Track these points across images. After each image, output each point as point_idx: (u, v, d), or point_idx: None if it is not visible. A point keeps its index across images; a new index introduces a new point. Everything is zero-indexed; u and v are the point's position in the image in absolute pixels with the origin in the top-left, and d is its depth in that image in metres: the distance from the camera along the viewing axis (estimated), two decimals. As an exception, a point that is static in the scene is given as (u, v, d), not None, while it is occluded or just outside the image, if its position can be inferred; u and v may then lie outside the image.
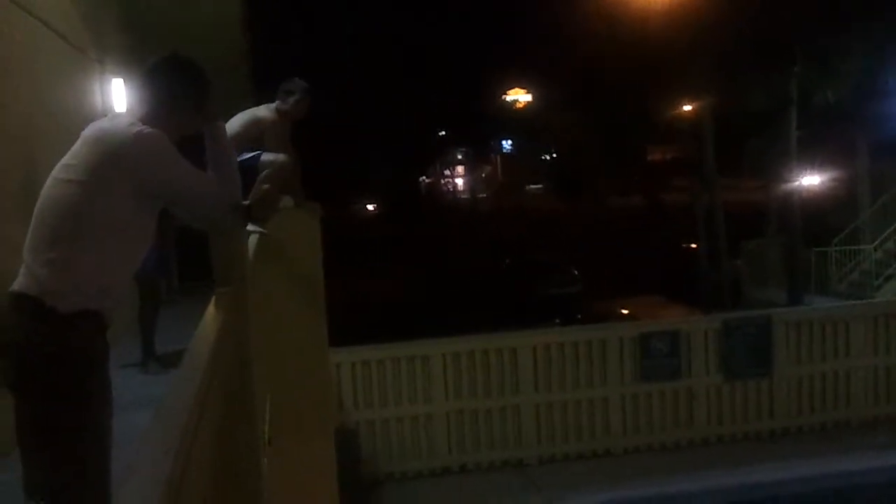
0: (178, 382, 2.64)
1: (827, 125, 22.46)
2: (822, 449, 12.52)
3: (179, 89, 3.14)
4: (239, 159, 5.67)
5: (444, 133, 76.05)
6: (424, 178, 79.71)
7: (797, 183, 22.26)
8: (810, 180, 24.05)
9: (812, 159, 23.35)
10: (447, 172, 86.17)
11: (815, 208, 23.75)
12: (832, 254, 20.52)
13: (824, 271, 20.56)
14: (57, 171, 2.92)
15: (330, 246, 7.71)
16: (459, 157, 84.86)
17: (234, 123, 6.44)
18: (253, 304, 4.63)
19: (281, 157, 6.27)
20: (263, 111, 6.65)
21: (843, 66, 20.51)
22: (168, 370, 6.25)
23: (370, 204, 66.94)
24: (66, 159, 2.93)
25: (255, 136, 6.40)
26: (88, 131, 2.98)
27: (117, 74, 8.54)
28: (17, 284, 2.82)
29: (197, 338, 3.19)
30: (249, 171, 3.69)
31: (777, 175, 22.96)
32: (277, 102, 6.66)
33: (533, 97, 69.20)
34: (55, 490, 2.78)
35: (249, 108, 6.75)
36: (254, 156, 6.10)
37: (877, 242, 19.95)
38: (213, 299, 3.79)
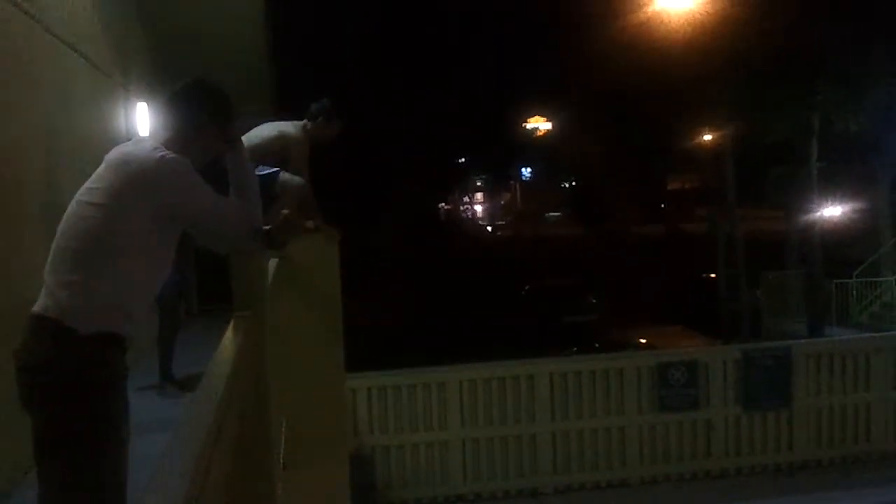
0: (194, 405, 2.66)
1: (848, 156, 22.38)
2: (842, 483, 12.39)
3: (203, 115, 3.17)
4: (257, 172, 5.68)
5: (463, 160, 76.24)
6: (444, 204, 79.83)
7: (818, 214, 22.16)
8: (831, 211, 23.93)
9: (833, 190, 23.25)
10: (466, 199, 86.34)
11: (835, 239, 23.61)
12: (853, 285, 20.38)
13: (845, 303, 20.43)
14: (80, 194, 2.95)
15: (347, 270, 7.72)
16: (479, 183, 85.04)
17: (259, 134, 6.41)
18: (271, 328, 4.64)
19: (297, 179, 6.23)
20: (290, 128, 6.57)
21: (865, 96, 20.45)
22: (185, 393, 6.25)
23: (390, 228, 67.05)
24: (89, 183, 2.96)
25: (276, 151, 6.37)
26: (112, 155, 3.01)
27: (141, 98, 8.63)
28: (38, 306, 2.85)
29: (214, 361, 3.21)
30: (264, 186, 3.69)
31: (798, 205, 22.86)
32: (305, 122, 6.62)
33: (553, 125, 69.30)
34: None
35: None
36: (273, 172, 6.05)
37: (898, 275, 19.82)
38: (231, 323, 3.81)
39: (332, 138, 6.77)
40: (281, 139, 6.44)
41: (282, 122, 6.63)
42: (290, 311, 6.57)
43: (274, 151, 6.32)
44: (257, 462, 3.88)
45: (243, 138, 6.32)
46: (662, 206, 55.08)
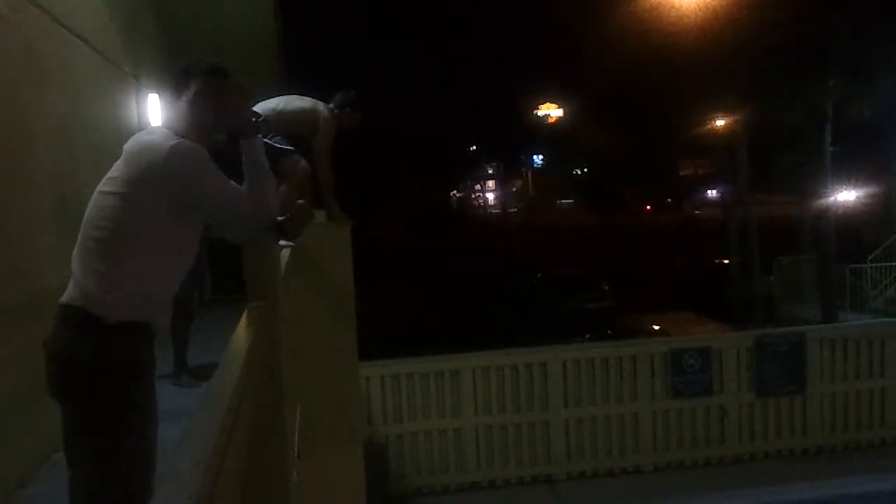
0: (209, 395, 2.67)
1: (862, 140, 22.23)
2: (856, 468, 12.36)
3: (193, 86, 3.14)
4: (274, 141, 5.68)
5: (475, 148, 76.16)
6: (455, 192, 79.78)
7: (831, 198, 22.04)
8: (845, 196, 23.79)
9: (847, 175, 23.10)
10: (478, 187, 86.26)
11: (849, 224, 23.47)
12: (867, 270, 20.29)
13: (859, 288, 20.34)
14: (101, 185, 2.98)
15: (360, 258, 7.73)
16: (490, 171, 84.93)
17: (296, 102, 6.47)
18: (284, 317, 4.65)
19: (304, 163, 6.24)
20: (323, 108, 6.63)
21: (879, 80, 20.30)
22: (200, 383, 6.27)
23: (402, 216, 67.07)
24: (109, 173, 2.99)
25: (307, 122, 6.42)
26: (129, 145, 3.03)
27: (152, 89, 8.64)
28: (65, 296, 2.89)
29: (229, 351, 3.22)
30: (271, 158, 3.62)
31: (811, 190, 22.74)
32: (332, 107, 6.66)
33: (564, 112, 69.18)
34: (99, 499, 2.82)
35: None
36: (286, 149, 6.04)
37: (913, 259, 19.71)
38: (245, 312, 3.82)
39: (350, 130, 6.82)
40: (315, 114, 6.51)
41: (316, 100, 6.68)
42: (303, 299, 6.59)
43: (305, 122, 6.39)
44: (272, 451, 3.90)
45: (280, 101, 6.40)
46: (668, 192, 54.79)
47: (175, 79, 3.21)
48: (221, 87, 3.23)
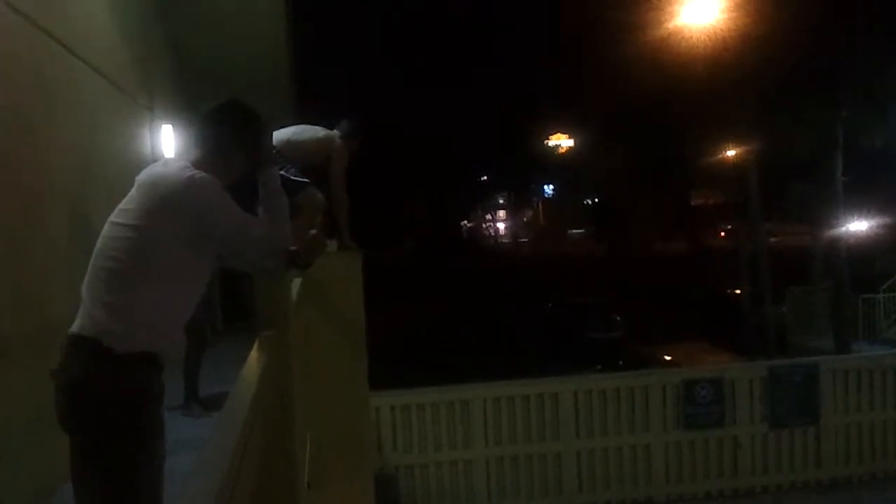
0: (221, 426, 2.67)
1: (874, 169, 22.19)
2: (871, 500, 12.24)
3: (234, 137, 3.20)
4: (289, 175, 5.72)
5: (485, 178, 76.34)
6: (466, 222, 79.87)
7: (843, 228, 21.96)
8: (857, 225, 23.70)
9: (858, 204, 23.04)
10: (489, 217, 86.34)
11: (862, 254, 23.37)
12: (880, 300, 20.19)
13: (872, 318, 20.23)
14: (113, 216, 2.99)
15: (370, 288, 7.73)
16: (501, 201, 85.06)
17: (309, 133, 6.53)
18: (295, 346, 4.65)
19: (320, 195, 6.29)
20: (336, 137, 6.70)
21: (890, 108, 20.32)
22: (211, 413, 6.26)
23: (413, 246, 67.21)
24: (122, 204, 3.01)
25: (321, 152, 6.47)
26: (142, 176, 3.05)
27: (166, 120, 8.69)
28: (75, 326, 2.89)
29: (240, 381, 3.22)
30: (290, 192, 3.65)
31: (822, 220, 22.67)
32: (339, 134, 6.73)
33: (575, 142, 69.25)
34: None
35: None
36: (302, 181, 6.09)
37: (926, 289, 19.62)
38: (256, 342, 3.82)
39: (353, 156, 6.87)
40: (328, 144, 6.56)
41: (328, 130, 6.74)
42: (314, 329, 6.59)
43: (318, 151, 6.44)
44: (283, 482, 3.88)
45: (293, 132, 6.45)
46: (679, 222, 54.55)
47: (248, 131, 3.27)
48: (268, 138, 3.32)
